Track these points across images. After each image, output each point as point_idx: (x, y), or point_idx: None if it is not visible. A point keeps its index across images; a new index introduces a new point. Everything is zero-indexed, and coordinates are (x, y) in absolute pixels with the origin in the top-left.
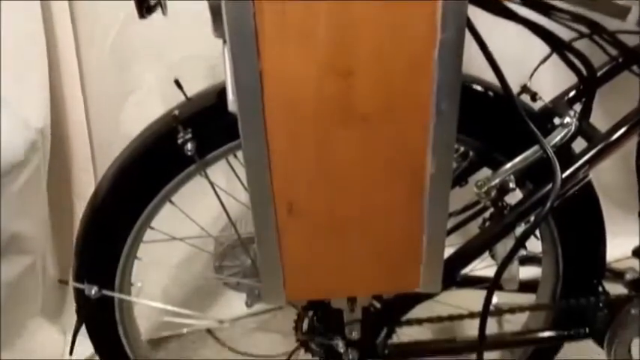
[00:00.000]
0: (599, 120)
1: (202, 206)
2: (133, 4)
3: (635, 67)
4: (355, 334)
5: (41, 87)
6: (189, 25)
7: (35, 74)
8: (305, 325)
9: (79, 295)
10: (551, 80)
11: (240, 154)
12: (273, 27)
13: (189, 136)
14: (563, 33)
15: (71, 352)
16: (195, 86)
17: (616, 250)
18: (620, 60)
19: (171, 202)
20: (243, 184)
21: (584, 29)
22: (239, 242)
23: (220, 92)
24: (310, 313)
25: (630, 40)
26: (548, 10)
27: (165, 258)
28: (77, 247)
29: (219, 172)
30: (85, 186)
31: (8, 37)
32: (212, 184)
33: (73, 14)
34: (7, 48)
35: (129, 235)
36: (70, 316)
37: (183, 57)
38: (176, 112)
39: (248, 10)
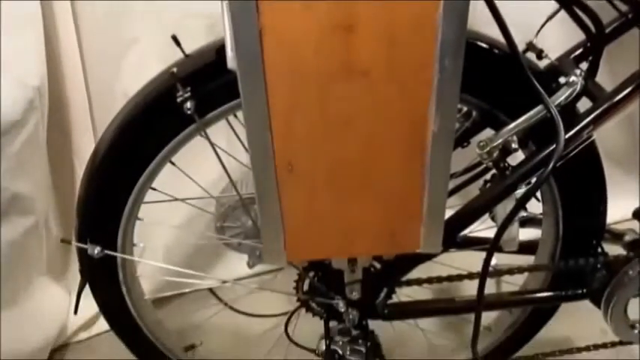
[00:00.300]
0: (605, 82)
1: (203, 167)
2: None
3: None
4: (355, 294)
5: (37, 44)
6: None
7: (30, 31)
8: (306, 286)
9: (82, 254)
10: (558, 38)
11: (240, 114)
12: None
13: (188, 94)
14: None
15: (76, 311)
16: (193, 45)
17: (617, 211)
18: (630, 16)
19: (171, 162)
20: (243, 145)
21: None
22: (240, 203)
23: (219, 49)
24: (311, 273)
25: None
26: None
27: (167, 219)
28: (78, 207)
29: (219, 133)
30: (84, 145)
31: None
32: (212, 145)
33: None
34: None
35: (130, 195)
36: (75, 275)
37: (181, 14)
38: (174, 70)
39: None
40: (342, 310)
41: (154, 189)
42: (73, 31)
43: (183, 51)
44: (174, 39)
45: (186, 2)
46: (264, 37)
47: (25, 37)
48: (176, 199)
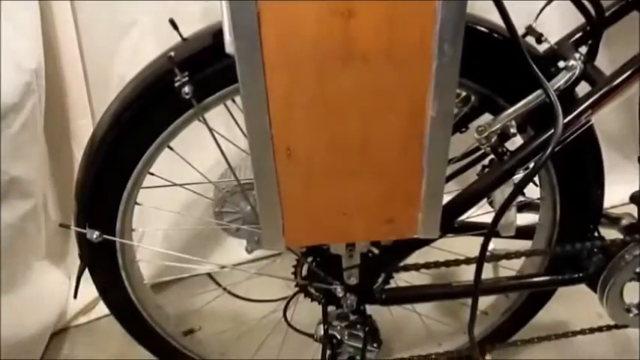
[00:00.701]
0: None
1: (201, 152)
2: None
3: None
4: (353, 280)
5: (33, 27)
6: None
7: (26, 13)
8: (304, 271)
9: (81, 239)
10: (557, 21)
11: (238, 99)
12: None
13: (186, 78)
14: None
15: (75, 295)
16: (191, 29)
17: (615, 195)
18: None
19: (169, 147)
20: (242, 130)
21: None
22: (239, 188)
23: (217, 33)
24: (309, 259)
25: None
26: None
27: (166, 204)
28: (77, 192)
29: (217, 118)
30: (82, 129)
31: None
32: (210, 130)
33: None
34: None
35: (128, 180)
36: (74, 260)
37: None
38: (172, 54)
39: None
40: (340, 295)
41: (153, 174)
42: (70, 14)
43: (180, 35)
44: (172, 22)
45: None
46: (262, 22)
47: (21, 19)
48: (174, 185)
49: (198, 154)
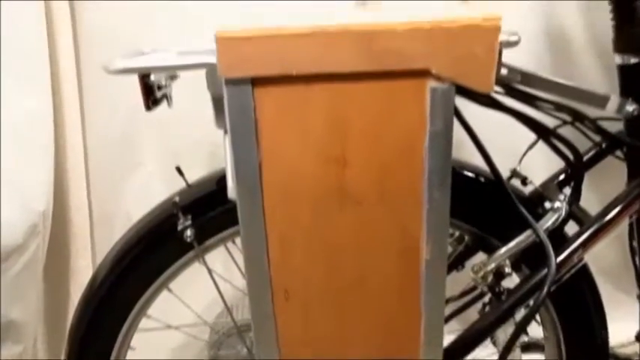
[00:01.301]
0: (592, 200)
1: (198, 291)
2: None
3: (618, 152)
4: None
5: (46, 169)
6: (192, 113)
7: (41, 156)
8: None
9: None
10: (541, 162)
11: (238, 240)
12: (273, 120)
13: (189, 222)
14: (548, 120)
15: None
16: (195, 168)
17: (618, 333)
18: (604, 145)
19: (168, 289)
20: (240, 270)
21: (567, 117)
22: (235, 330)
23: (220, 179)
24: None
25: (613, 127)
26: (531, 100)
27: (160, 347)
28: (70, 334)
29: (215, 255)
30: (82, 269)
31: (17, 116)
32: (210, 271)
33: (82, 96)
34: (15, 128)
35: (124, 323)
36: None
37: (185, 142)
38: (176, 199)
39: (249, 103)
40: None
41: (149, 316)
42: (82, 158)
43: (186, 181)
44: (178, 170)
45: (191, 131)
46: (263, 170)
47: (35, 162)
48: (170, 327)
49: (195, 292)
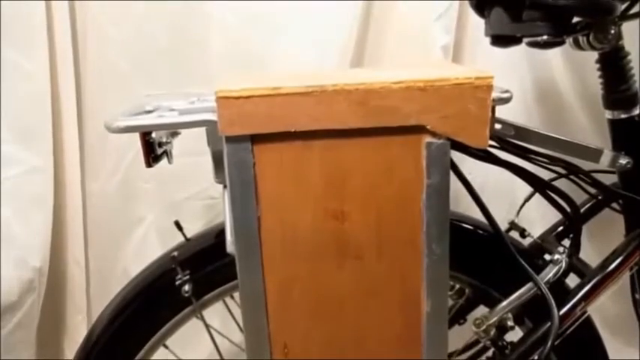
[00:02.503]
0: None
1: (195, 346)
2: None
3: (615, 204)
4: None
5: (44, 225)
6: (191, 167)
7: (40, 212)
8: None
9: None
10: (538, 212)
11: (236, 294)
12: (272, 175)
13: (187, 277)
14: (544, 173)
15: None
16: (194, 220)
17: None
18: (600, 198)
19: (165, 346)
20: (238, 325)
21: (561, 170)
22: None
23: (218, 234)
24: None
25: (607, 179)
26: (526, 154)
27: None
28: None
29: (213, 310)
30: (76, 325)
31: (17, 171)
32: (207, 327)
33: (83, 152)
34: (14, 182)
35: None
36: None
37: (184, 196)
38: (175, 254)
39: (249, 159)
40: None
41: None
42: (81, 211)
43: (184, 235)
44: (177, 224)
45: (189, 185)
46: (262, 225)
47: (34, 218)
48: None
49: (193, 349)
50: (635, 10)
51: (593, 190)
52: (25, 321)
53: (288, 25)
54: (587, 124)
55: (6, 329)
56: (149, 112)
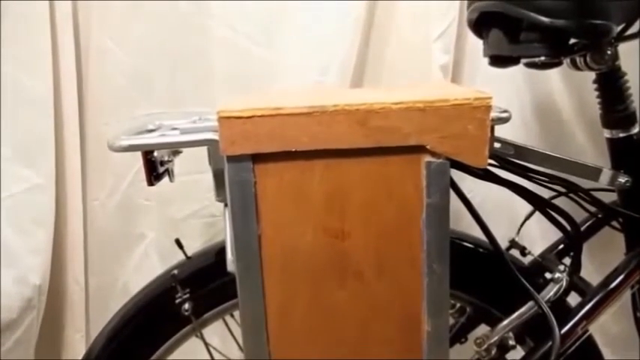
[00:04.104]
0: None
1: None
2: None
3: (615, 222)
4: None
5: (45, 243)
6: (192, 185)
7: (41, 230)
8: None
9: None
10: (539, 230)
11: (236, 313)
12: (272, 194)
13: (187, 295)
14: (544, 192)
15: None
16: (194, 238)
17: None
18: (600, 216)
19: None
20: (238, 344)
21: (561, 189)
22: None
23: (219, 252)
24: None
25: (607, 198)
26: (526, 173)
27: None
28: None
29: (212, 329)
30: (75, 343)
31: (18, 188)
32: (207, 345)
33: (84, 168)
34: (14, 199)
35: None
36: None
37: (184, 214)
38: (175, 272)
39: (250, 178)
40: None
41: None
42: (81, 229)
43: (185, 254)
44: (178, 242)
45: (190, 203)
46: (263, 243)
47: (35, 236)
48: None
49: None
50: (631, 31)
51: (593, 209)
52: (24, 339)
53: (288, 42)
54: (586, 143)
55: (5, 347)
56: (151, 131)
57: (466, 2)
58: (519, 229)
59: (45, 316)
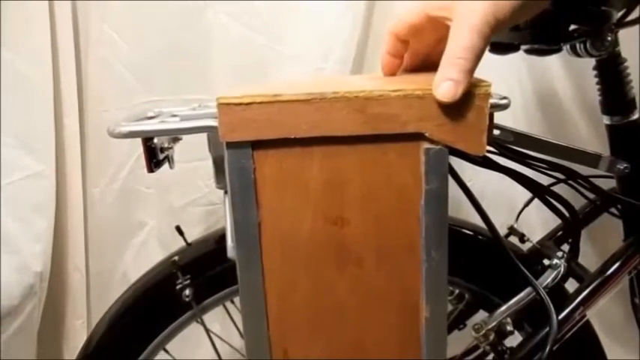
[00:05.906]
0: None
1: (194, 350)
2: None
3: (613, 209)
4: None
5: (46, 230)
6: (192, 172)
7: (41, 217)
8: None
9: None
10: (538, 217)
11: (237, 299)
12: (272, 181)
13: (187, 281)
14: (543, 179)
15: None
16: (194, 229)
17: None
18: (599, 202)
19: (165, 350)
20: (239, 330)
21: (560, 175)
22: None
23: (219, 239)
24: None
25: (606, 184)
26: (525, 160)
27: None
28: None
29: (213, 315)
30: (76, 329)
31: (18, 177)
32: (207, 331)
33: (84, 156)
34: (15, 188)
35: None
36: None
37: (184, 202)
38: (176, 258)
39: (249, 165)
40: None
41: None
42: (82, 216)
43: (185, 240)
44: (178, 229)
45: (189, 192)
46: (262, 229)
47: (36, 224)
48: None
49: (192, 353)
50: (631, 17)
51: (591, 195)
52: (25, 326)
53: (289, 33)
54: (586, 129)
55: (6, 334)
56: (151, 117)
57: None
58: (518, 216)
59: (46, 303)
